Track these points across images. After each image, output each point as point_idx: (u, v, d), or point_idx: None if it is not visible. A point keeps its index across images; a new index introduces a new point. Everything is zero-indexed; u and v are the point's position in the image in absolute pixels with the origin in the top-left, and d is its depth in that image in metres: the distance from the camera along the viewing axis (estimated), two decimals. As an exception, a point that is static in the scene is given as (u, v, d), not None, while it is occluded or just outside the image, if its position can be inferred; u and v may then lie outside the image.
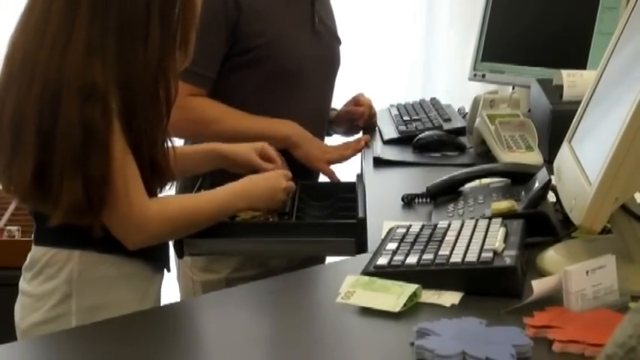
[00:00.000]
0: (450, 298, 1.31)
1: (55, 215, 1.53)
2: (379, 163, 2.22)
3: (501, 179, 1.77)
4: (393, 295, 1.29)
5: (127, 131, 1.54)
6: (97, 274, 1.62)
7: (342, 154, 2.32)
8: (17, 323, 1.67)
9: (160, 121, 1.62)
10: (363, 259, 1.45)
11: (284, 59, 2.19)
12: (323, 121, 2.38)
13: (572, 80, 2.16)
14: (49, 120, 1.50)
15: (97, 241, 1.57)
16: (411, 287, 1.30)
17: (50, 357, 1.26)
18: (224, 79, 2.19)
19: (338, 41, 2.40)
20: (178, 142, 2.26)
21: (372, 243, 1.57)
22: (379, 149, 2.32)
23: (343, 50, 2.42)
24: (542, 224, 1.54)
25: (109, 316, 1.53)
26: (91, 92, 1.49)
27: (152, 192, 1.63)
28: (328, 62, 2.34)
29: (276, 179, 1.81)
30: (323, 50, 2.30)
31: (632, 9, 1.49)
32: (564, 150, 1.56)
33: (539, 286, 1.26)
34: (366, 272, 1.38)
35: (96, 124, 1.49)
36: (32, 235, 1.69)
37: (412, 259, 1.38)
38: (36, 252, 1.65)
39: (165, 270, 1.76)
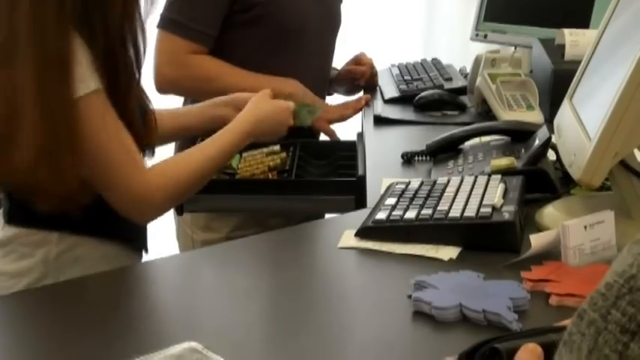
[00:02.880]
0: (448, 252, 1.32)
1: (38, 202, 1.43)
2: (380, 121, 2.22)
3: (501, 137, 1.77)
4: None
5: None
6: (74, 254, 1.51)
7: (343, 114, 2.32)
8: None
9: (132, 78, 1.49)
10: (361, 215, 1.45)
11: (285, 17, 2.18)
12: (324, 80, 2.38)
13: (575, 39, 2.15)
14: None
15: (76, 223, 1.47)
16: None
17: (57, 304, 1.27)
18: (225, 37, 2.17)
19: (339, 0, 2.38)
20: (178, 101, 2.26)
21: (372, 200, 1.57)
22: (380, 108, 2.32)
23: (345, 10, 2.41)
24: (541, 181, 1.54)
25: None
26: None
27: None
28: (330, 21, 2.33)
29: (285, 115, 1.72)
30: (324, 9, 2.29)
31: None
32: (565, 107, 1.55)
33: (537, 240, 1.26)
34: (364, 227, 1.38)
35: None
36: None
37: (411, 214, 1.39)
38: (7, 231, 1.53)
39: (143, 251, 1.65)
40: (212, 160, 1.56)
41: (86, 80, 1.37)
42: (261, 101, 1.70)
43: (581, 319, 0.54)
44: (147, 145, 1.55)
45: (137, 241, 1.62)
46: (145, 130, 1.52)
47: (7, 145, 1.37)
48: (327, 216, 1.96)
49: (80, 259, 1.51)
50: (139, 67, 1.49)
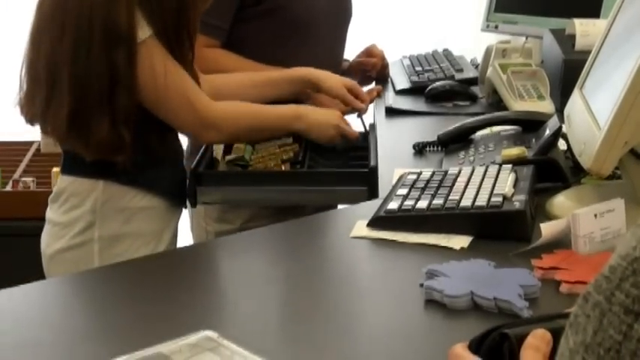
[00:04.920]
0: (460, 241, 1.33)
1: (87, 153, 1.62)
2: (391, 112, 2.23)
3: (512, 127, 1.78)
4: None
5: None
6: (120, 204, 1.68)
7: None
8: (43, 250, 1.74)
9: (187, 54, 1.68)
10: (373, 205, 1.47)
11: (297, 9, 2.19)
12: (335, 72, 2.38)
13: (585, 29, 2.15)
14: (82, 65, 1.56)
15: (121, 173, 1.64)
16: None
17: (73, 295, 1.30)
18: (236, 30, 2.18)
19: (350, -9, 2.39)
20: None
21: (384, 190, 1.58)
22: (391, 99, 2.33)
23: (356, 1, 2.41)
24: (552, 170, 1.55)
25: (130, 246, 1.65)
26: (115, 34, 1.55)
27: None
28: (340, 13, 2.34)
29: (332, 116, 1.90)
30: (335, 0, 2.30)
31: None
32: (575, 96, 1.56)
33: (547, 228, 1.27)
34: (376, 217, 1.40)
35: (120, 65, 1.56)
36: (60, 168, 1.77)
37: (422, 204, 1.40)
38: (62, 181, 1.72)
39: (183, 207, 1.83)
40: (265, 115, 1.85)
41: (143, 27, 1.57)
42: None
43: (586, 301, 0.55)
44: None
45: (177, 196, 1.78)
46: None
47: (50, 104, 1.59)
48: (340, 207, 1.98)
49: (124, 210, 1.69)
50: (192, 46, 1.69)
